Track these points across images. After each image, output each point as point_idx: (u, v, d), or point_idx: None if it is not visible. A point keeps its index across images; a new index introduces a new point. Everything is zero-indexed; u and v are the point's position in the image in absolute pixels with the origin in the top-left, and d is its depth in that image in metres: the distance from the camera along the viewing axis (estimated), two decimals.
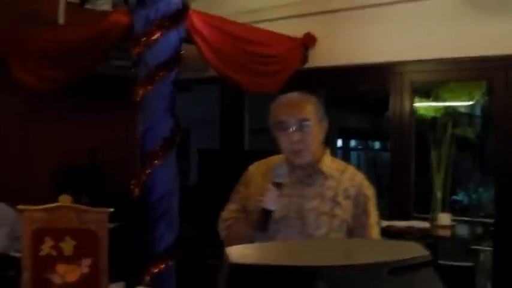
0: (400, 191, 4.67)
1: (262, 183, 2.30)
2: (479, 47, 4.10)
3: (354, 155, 12.56)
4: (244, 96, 5.40)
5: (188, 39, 3.69)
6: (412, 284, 1.01)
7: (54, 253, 2.46)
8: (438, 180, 7.00)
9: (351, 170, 2.36)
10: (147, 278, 3.35)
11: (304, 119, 2.23)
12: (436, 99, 6.79)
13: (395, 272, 1.00)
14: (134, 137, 5.63)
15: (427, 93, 6.12)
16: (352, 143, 12.59)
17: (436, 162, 6.94)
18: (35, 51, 4.10)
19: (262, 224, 2.14)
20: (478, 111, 8.33)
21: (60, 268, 2.47)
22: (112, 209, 2.55)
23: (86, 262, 2.50)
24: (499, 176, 4.31)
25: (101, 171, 4.98)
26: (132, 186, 3.46)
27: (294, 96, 2.32)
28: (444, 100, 6.92)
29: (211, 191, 4.54)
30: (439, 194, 7.08)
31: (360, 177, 2.34)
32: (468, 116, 7.26)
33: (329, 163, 2.33)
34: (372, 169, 11.46)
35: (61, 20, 4.81)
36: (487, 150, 9.38)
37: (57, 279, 2.45)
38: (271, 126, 2.33)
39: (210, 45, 3.80)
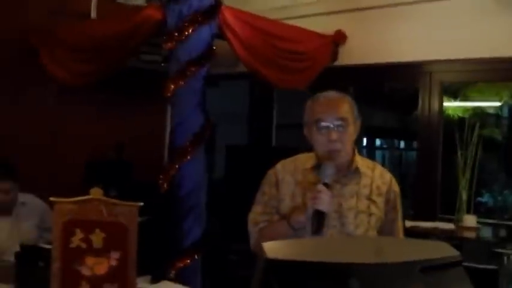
0: (426, 191, 4.66)
1: (292, 183, 2.33)
2: (510, 47, 4.07)
3: (379, 153, 12.51)
4: (273, 92, 5.43)
5: (220, 34, 3.73)
6: (442, 283, 1.03)
7: (83, 245, 2.49)
8: (464, 181, 6.95)
9: (379, 167, 2.40)
10: (173, 272, 3.40)
11: (342, 118, 2.25)
12: (464, 99, 6.75)
13: (426, 271, 1.02)
14: (163, 131, 5.74)
15: (454, 93, 6.08)
16: (378, 141, 12.53)
17: (463, 163, 6.89)
18: (66, 44, 4.17)
19: (316, 226, 2.12)
20: (505, 113, 8.25)
21: (89, 260, 2.51)
22: (141, 203, 2.61)
23: (115, 255, 2.52)
24: None
25: (130, 165, 5.04)
26: (160, 181, 3.52)
27: (331, 94, 2.33)
28: (472, 100, 6.87)
29: (238, 187, 4.57)
30: (464, 195, 7.03)
31: (389, 175, 2.38)
32: (496, 116, 7.19)
33: (360, 161, 2.35)
34: (397, 168, 11.41)
35: (93, 13, 4.88)
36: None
37: (85, 271, 2.49)
38: (306, 124, 2.34)
39: (241, 41, 3.83)
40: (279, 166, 2.42)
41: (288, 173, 2.37)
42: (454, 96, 6.09)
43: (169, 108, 5.65)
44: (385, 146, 12.94)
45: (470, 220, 4.75)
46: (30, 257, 2.90)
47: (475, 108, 6.92)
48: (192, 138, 3.50)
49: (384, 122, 10.91)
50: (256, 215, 2.42)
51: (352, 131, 2.30)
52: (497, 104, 7.05)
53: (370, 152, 11.63)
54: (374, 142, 12.28)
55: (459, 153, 6.79)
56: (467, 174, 6.91)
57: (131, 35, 3.77)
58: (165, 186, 3.51)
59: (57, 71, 4.20)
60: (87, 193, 2.53)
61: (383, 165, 2.73)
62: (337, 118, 2.24)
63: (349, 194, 2.28)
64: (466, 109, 6.79)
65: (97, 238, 2.54)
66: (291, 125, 5.51)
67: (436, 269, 1.04)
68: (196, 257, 3.52)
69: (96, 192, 2.60)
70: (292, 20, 4.73)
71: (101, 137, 5.09)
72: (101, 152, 4.99)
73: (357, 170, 2.31)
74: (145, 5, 4.41)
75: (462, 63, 4.38)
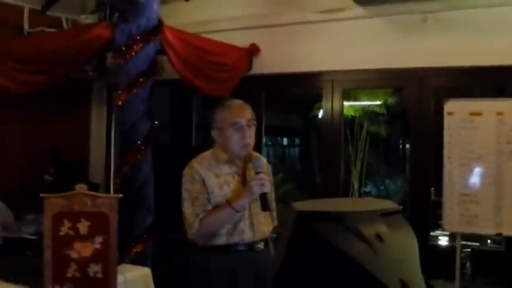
0: (329, 181, 5.43)
1: (212, 176, 2.85)
2: (394, 60, 4.96)
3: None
4: (192, 98, 6.03)
5: (161, 50, 4.28)
6: (393, 223, 1.73)
7: (71, 233, 2.98)
8: (355, 172, 7.99)
9: (258, 154, 3.02)
10: (129, 257, 3.92)
11: (250, 119, 2.90)
12: (354, 100, 7.76)
13: (384, 215, 1.72)
14: (88, 135, 6.16)
15: (347, 95, 7.00)
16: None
17: (354, 156, 7.91)
18: (11, 55, 4.47)
19: (265, 204, 2.72)
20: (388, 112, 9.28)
21: (77, 245, 2.99)
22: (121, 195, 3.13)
23: (99, 239, 3.03)
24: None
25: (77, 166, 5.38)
26: (114, 178, 4.02)
27: (238, 102, 2.97)
28: (360, 100, 7.93)
29: (162, 183, 5.01)
30: (356, 185, 8.08)
31: (265, 159, 3.05)
32: (381, 115, 8.25)
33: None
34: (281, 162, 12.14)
35: (26, 25, 5.21)
36: (392, 145, 10.49)
37: (74, 255, 2.98)
38: (220, 127, 2.89)
39: (178, 56, 4.41)
40: (196, 165, 2.89)
41: (206, 169, 2.87)
42: (347, 98, 7.01)
43: (93, 113, 6.12)
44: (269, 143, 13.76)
45: None
46: (17, 247, 3.29)
47: (363, 108, 7.96)
48: (142, 140, 4.04)
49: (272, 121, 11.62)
50: (191, 209, 2.83)
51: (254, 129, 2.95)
52: (378, 102, 8.13)
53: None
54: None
55: (350, 148, 7.79)
56: (358, 166, 7.95)
57: (81, 51, 4.22)
58: (119, 182, 4.01)
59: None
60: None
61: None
62: (247, 119, 2.89)
63: (253, 174, 2.86)
64: (356, 109, 7.82)
65: (83, 226, 3.04)
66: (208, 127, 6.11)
67: (388, 214, 1.75)
68: (148, 242, 4.06)
69: (81, 188, 3.10)
70: (211, 34, 5.35)
71: (33, 141, 5.41)
72: (35, 155, 5.32)
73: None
74: (84, 19, 4.84)
75: (358, 73, 5.22)
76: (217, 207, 2.83)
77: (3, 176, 5.05)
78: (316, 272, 1.57)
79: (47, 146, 5.43)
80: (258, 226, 2.89)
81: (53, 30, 5.06)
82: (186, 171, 2.92)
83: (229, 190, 2.87)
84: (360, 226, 1.59)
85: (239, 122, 2.86)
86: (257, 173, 2.80)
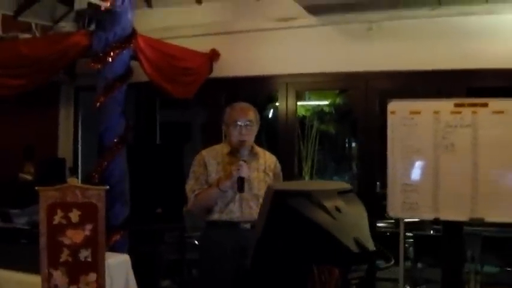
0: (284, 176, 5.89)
1: (215, 163, 3.41)
2: (342, 64, 5.50)
3: None
4: (156, 100, 6.43)
5: (134, 56, 4.67)
6: (348, 200, 2.22)
7: (64, 221, 3.33)
8: (306, 168, 8.51)
9: (267, 152, 3.61)
10: (108, 245, 4.29)
11: (249, 120, 3.44)
12: (306, 100, 8.29)
13: (340, 193, 2.21)
14: (56, 133, 6.46)
15: (299, 95, 7.51)
16: None
17: (305, 153, 8.44)
18: None
19: (240, 187, 3.25)
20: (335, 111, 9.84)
21: (69, 232, 3.34)
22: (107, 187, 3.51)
23: (89, 227, 3.39)
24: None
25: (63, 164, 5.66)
26: (93, 173, 4.39)
27: (243, 104, 3.55)
28: (311, 100, 8.46)
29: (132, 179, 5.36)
30: (307, 179, 8.55)
31: (274, 157, 3.60)
32: (330, 114, 8.82)
33: (257, 148, 3.54)
34: None
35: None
36: (340, 143, 11.08)
37: (66, 241, 3.33)
38: (226, 123, 3.47)
39: (150, 62, 4.81)
40: (204, 153, 3.49)
41: (211, 157, 3.45)
42: (299, 99, 7.52)
43: (61, 114, 6.43)
44: None
45: None
46: (11, 237, 3.60)
47: (314, 108, 8.50)
48: (118, 139, 4.43)
49: None
50: (191, 186, 3.43)
51: (255, 129, 3.50)
52: (326, 102, 8.70)
53: None
54: None
55: (302, 145, 8.31)
56: (309, 163, 8.48)
57: (60, 57, 4.55)
58: (97, 177, 4.37)
59: None
60: None
61: None
62: (246, 120, 3.43)
63: (253, 169, 3.43)
64: (307, 109, 8.35)
65: (74, 215, 3.38)
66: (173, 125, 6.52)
67: (344, 192, 2.23)
68: (125, 232, 4.45)
69: (72, 181, 3.48)
70: (174, 40, 5.73)
71: (6, 141, 5.70)
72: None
73: (256, 154, 3.50)
74: (62, 28, 5.17)
75: (310, 76, 5.74)
76: (209, 187, 3.40)
77: None
78: (290, 236, 2.04)
79: (19, 146, 5.73)
80: (246, 209, 3.38)
81: (26, 35, 5.36)
82: (196, 157, 3.50)
83: (226, 174, 3.40)
84: (323, 200, 2.07)
85: (239, 121, 3.39)
86: (243, 160, 3.32)
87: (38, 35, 5.73)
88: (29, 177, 5.59)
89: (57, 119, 6.49)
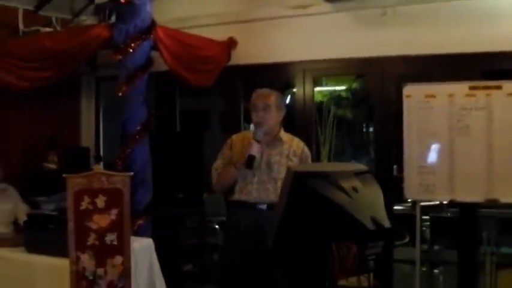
0: None
1: (240, 146, 3.69)
2: (358, 50, 5.56)
3: None
4: (176, 89, 6.56)
5: (154, 47, 4.79)
6: (365, 180, 2.33)
7: (90, 207, 3.48)
8: (324, 152, 8.59)
9: (296, 139, 3.80)
10: (134, 228, 4.45)
11: (266, 104, 3.66)
12: (323, 86, 8.36)
13: (357, 174, 2.32)
14: (79, 124, 6.63)
15: (316, 82, 7.58)
16: None
17: (323, 138, 8.51)
18: (14, 54, 4.92)
19: (248, 163, 3.50)
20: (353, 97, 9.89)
21: (95, 217, 3.48)
22: (132, 173, 3.64)
23: (114, 211, 3.52)
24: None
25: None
26: (117, 160, 4.54)
27: (263, 90, 3.78)
28: (328, 86, 8.53)
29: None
30: None
31: (302, 143, 3.79)
32: (347, 100, 8.89)
33: (284, 135, 3.74)
34: None
35: (21, 25, 5.65)
36: (357, 128, 11.14)
37: (93, 225, 3.48)
38: (251, 106, 3.73)
39: (169, 52, 4.94)
40: (234, 137, 3.85)
41: (238, 141, 3.79)
42: (316, 85, 7.59)
43: (83, 104, 6.59)
44: None
45: None
46: (40, 222, 3.76)
47: (331, 93, 8.57)
48: (140, 127, 4.57)
49: None
50: (217, 165, 3.80)
51: (275, 114, 3.70)
52: (344, 87, 8.75)
53: None
54: None
55: (319, 130, 8.39)
56: (327, 148, 8.55)
57: (81, 49, 4.70)
58: (120, 164, 4.52)
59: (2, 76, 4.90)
60: None
61: None
62: (264, 104, 3.66)
63: (275, 153, 3.68)
64: (324, 94, 8.42)
65: (100, 201, 3.52)
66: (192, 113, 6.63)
67: (361, 173, 2.34)
68: (148, 217, 4.60)
69: (98, 168, 3.62)
70: (192, 29, 5.85)
71: (31, 132, 5.86)
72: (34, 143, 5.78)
73: (280, 140, 3.72)
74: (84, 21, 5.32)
75: (326, 62, 5.82)
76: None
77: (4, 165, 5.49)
78: (310, 216, 2.16)
79: (42, 136, 5.89)
80: (263, 192, 3.63)
81: (47, 29, 5.51)
82: (228, 140, 3.86)
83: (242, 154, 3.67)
84: (340, 181, 2.18)
85: (257, 104, 3.68)
86: (256, 140, 3.58)
87: (58, 28, 5.86)
88: (53, 166, 5.74)
89: (79, 109, 6.65)
